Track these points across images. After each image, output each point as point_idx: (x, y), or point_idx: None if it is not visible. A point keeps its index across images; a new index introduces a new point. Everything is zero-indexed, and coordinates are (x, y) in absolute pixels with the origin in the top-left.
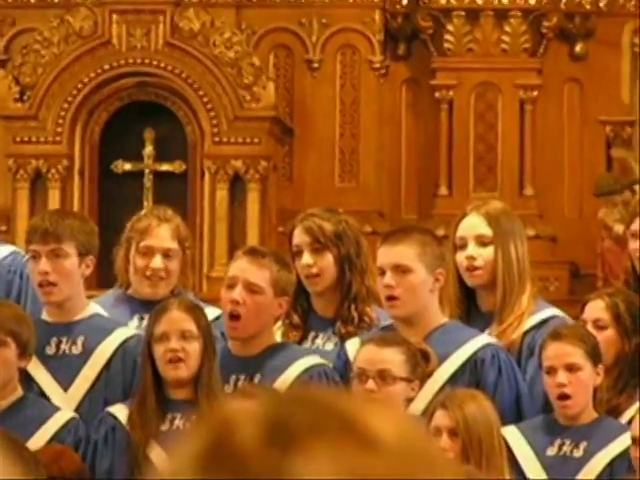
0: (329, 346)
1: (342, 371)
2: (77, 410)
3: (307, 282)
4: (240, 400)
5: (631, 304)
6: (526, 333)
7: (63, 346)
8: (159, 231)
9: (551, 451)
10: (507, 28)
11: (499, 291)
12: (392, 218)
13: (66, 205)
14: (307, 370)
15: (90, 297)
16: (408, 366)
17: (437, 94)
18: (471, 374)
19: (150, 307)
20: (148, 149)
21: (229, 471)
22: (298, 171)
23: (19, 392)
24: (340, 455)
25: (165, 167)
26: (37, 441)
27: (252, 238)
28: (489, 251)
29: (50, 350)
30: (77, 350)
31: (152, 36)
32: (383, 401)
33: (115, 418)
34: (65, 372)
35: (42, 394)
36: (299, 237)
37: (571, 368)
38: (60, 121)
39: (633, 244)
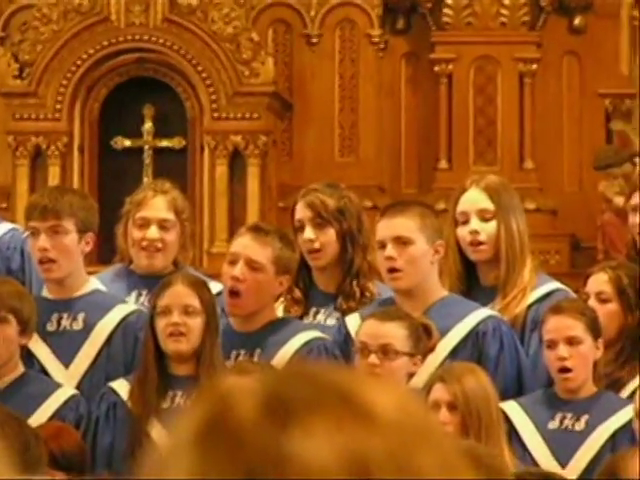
0: (331, 321)
1: (342, 345)
2: (78, 387)
3: (309, 257)
4: (235, 376)
5: (634, 277)
6: (530, 307)
7: (64, 322)
8: (154, 202)
9: (552, 425)
10: (506, 1)
11: (503, 265)
12: (392, 192)
13: (66, 182)
14: (306, 344)
15: (91, 273)
16: (410, 341)
17: (436, 68)
18: (473, 347)
19: (149, 282)
20: (147, 125)
21: (226, 446)
22: (298, 146)
23: (20, 369)
24: (338, 430)
25: (165, 143)
26: (38, 418)
27: (252, 214)
28: (492, 225)
29: (51, 326)
30: (78, 326)
31: (151, 12)
32: (385, 375)
33: (117, 394)
34: (66, 348)
35: (43, 371)
36: (301, 212)
37: (572, 341)
38: (59, 98)
39: (633, 218)
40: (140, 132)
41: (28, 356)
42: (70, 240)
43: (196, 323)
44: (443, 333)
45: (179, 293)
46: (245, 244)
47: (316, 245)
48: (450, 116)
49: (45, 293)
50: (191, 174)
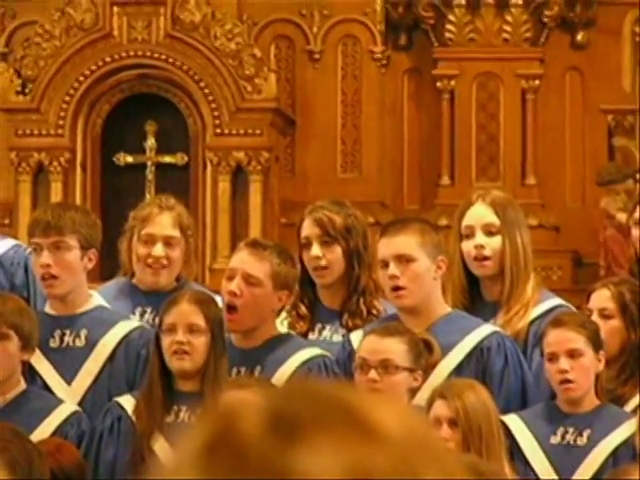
0: (337, 338)
1: (346, 362)
2: (80, 403)
3: (315, 274)
4: (233, 391)
5: (637, 293)
6: (532, 322)
7: (67, 339)
8: (160, 219)
9: (554, 440)
10: (508, 18)
11: (507, 280)
12: (395, 208)
13: (68, 198)
14: (306, 362)
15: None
16: (410, 356)
17: (439, 84)
18: (477, 363)
19: (152, 299)
20: (150, 141)
21: (232, 461)
22: (300, 162)
23: (22, 385)
24: (343, 447)
25: (167, 159)
26: (40, 434)
27: (254, 230)
28: (496, 240)
29: (54, 343)
30: (80, 343)
31: (153, 28)
32: (385, 391)
33: (122, 408)
34: (69, 365)
35: (45, 387)
36: (308, 229)
37: (573, 354)
38: (62, 114)
39: (635, 232)
40: (142, 148)
41: (30, 372)
42: (73, 256)
43: (200, 342)
44: (447, 349)
45: (184, 311)
46: (242, 259)
47: (323, 262)
48: (452, 132)
49: (48, 309)
50: (193, 190)
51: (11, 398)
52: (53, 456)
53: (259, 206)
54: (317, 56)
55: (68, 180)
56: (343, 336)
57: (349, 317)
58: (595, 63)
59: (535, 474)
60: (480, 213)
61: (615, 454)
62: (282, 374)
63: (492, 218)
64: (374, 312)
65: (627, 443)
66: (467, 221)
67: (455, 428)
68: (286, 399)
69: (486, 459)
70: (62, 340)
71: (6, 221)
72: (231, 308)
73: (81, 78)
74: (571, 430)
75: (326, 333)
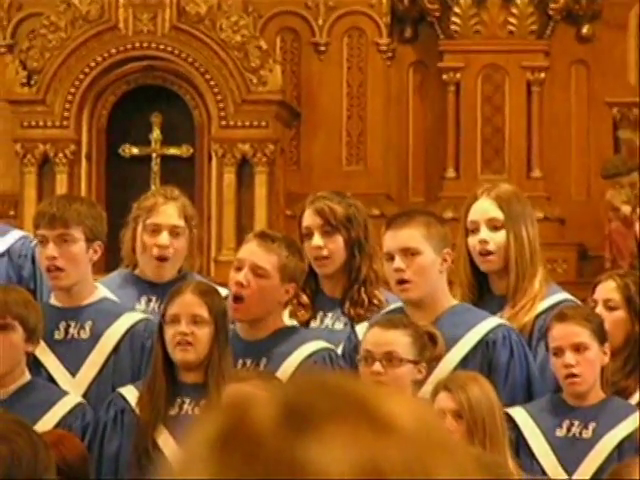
0: (338, 325)
1: (352, 354)
2: (85, 395)
3: (316, 264)
4: (233, 384)
5: None
6: (538, 316)
7: (72, 330)
8: (166, 208)
9: (560, 432)
10: (514, 10)
11: (512, 274)
12: (400, 201)
13: (74, 190)
14: (311, 355)
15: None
16: (415, 348)
17: (444, 76)
18: (483, 356)
19: (157, 289)
20: (155, 133)
21: (244, 452)
22: (305, 154)
23: (27, 377)
24: (356, 440)
25: (172, 151)
26: (44, 425)
27: (260, 222)
28: (501, 235)
29: (59, 335)
30: (85, 335)
31: (159, 20)
32: (389, 383)
33: (125, 400)
34: (73, 357)
35: (50, 379)
36: (310, 219)
37: (578, 348)
38: (67, 105)
39: (637, 226)
40: (148, 140)
41: (35, 364)
42: (78, 248)
43: (204, 333)
44: (453, 342)
45: (188, 302)
46: (251, 250)
47: (324, 252)
48: (458, 124)
49: (53, 301)
50: (199, 182)
51: (15, 389)
52: (56, 447)
53: (264, 198)
54: (323, 48)
55: (73, 172)
56: (345, 324)
57: (350, 305)
58: (600, 56)
59: (540, 466)
60: (484, 208)
61: (620, 447)
62: (287, 367)
63: (496, 213)
64: (375, 302)
65: (632, 436)
66: (472, 216)
67: (459, 420)
68: (299, 391)
69: (490, 451)
70: (67, 332)
71: (11, 212)
72: (237, 298)
73: (87, 70)
74: (577, 423)
75: (328, 321)
